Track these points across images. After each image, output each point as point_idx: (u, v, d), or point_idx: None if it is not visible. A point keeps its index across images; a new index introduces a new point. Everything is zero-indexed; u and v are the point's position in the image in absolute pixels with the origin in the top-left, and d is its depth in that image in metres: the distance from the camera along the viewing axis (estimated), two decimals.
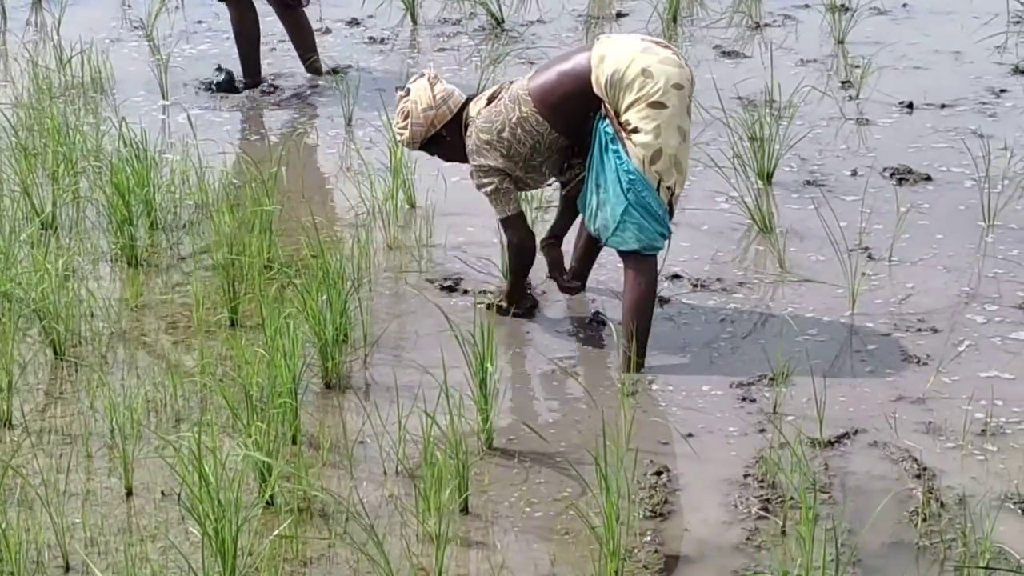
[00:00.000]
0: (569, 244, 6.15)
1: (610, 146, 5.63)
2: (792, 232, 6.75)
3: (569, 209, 6.06)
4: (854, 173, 7.32)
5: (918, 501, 4.88)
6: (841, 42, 9.08)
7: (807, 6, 9.79)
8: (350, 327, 5.89)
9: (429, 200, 7.11)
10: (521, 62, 8.72)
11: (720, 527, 4.85)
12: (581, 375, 5.78)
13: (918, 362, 5.73)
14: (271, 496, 4.88)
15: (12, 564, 4.54)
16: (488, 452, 5.24)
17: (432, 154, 6.11)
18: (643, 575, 4.63)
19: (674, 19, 9.50)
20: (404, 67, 8.85)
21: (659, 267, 5.84)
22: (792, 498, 4.86)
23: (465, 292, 6.31)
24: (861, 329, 5.98)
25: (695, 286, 6.33)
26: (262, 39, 8.77)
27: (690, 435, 5.33)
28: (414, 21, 9.76)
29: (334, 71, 8.82)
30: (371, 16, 9.84)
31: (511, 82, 5.93)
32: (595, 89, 5.62)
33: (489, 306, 6.07)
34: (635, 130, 5.58)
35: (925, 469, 5.06)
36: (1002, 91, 8.31)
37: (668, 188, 5.64)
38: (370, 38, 9.49)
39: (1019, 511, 4.85)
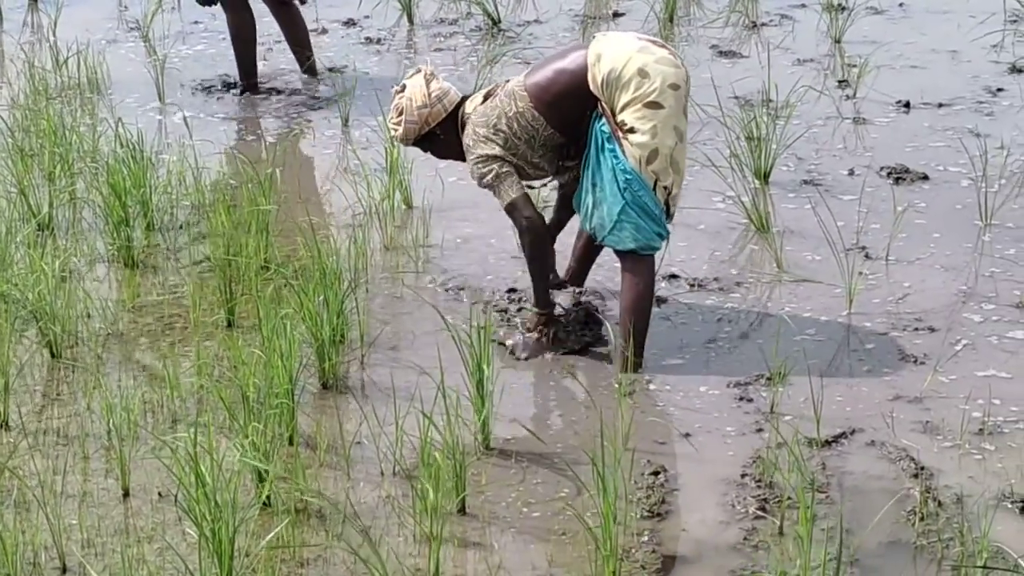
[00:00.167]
0: (569, 245, 6.13)
1: (606, 145, 5.62)
2: (789, 232, 6.74)
3: (564, 208, 6.04)
4: (851, 172, 7.32)
5: (916, 500, 4.87)
6: (838, 41, 9.08)
7: (804, 6, 9.79)
8: (347, 328, 5.89)
9: (426, 200, 7.11)
10: (518, 62, 8.71)
11: (718, 527, 4.84)
12: (578, 375, 5.77)
13: (915, 361, 5.72)
14: (268, 497, 4.88)
15: (9, 566, 4.53)
16: (485, 452, 5.24)
17: (425, 151, 6.07)
18: (640, 575, 4.63)
19: (671, 19, 9.50)
20: (400, 67, 8.84)
21: (656, 267, 5.83)
22: (790, 498, 4.86)
23: (460, 290, 6.30)
24: (858, 329, 5.97)
25: (692, 286, 6.32)
26: (258, 40, 8.76)
27: (687, 435, 5.33)
28: (410, 21, 9.75)
29: (330, 71, 8.81)
30: (367, 16, 9.83)
31: (507, 81, 5.92)
32: (591, 88, 5.60)
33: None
34: (631, 130, 5.56)
35: (923, 468, 5.05)
36: (999, 90, 8.31)
37: (665, 188, 5.63)
38: (366, 38, 9.49)
39: (1016, 510, 4.85)
